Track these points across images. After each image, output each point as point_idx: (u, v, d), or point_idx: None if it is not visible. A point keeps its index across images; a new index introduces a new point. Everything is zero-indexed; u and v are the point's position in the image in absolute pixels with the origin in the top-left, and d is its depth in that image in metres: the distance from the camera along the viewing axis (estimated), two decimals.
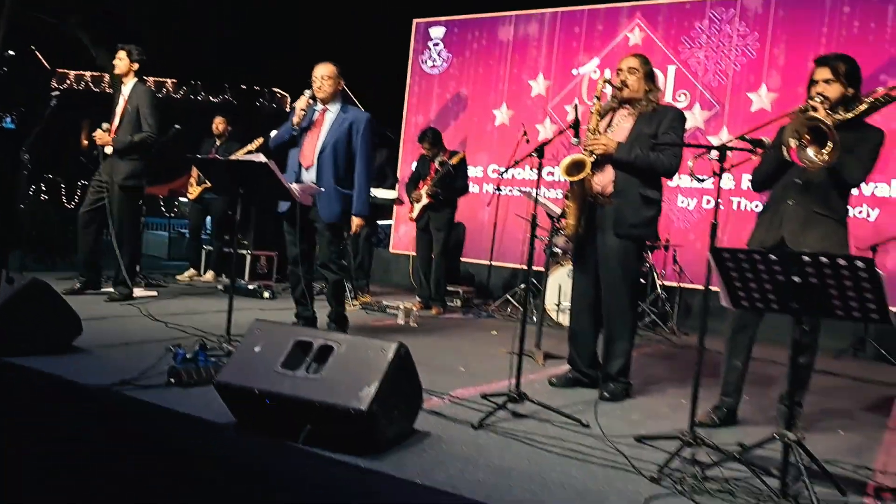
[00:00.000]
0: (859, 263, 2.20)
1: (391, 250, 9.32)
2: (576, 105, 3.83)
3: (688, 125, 7.46)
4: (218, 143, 7.23)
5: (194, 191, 7.31)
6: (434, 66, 9.12)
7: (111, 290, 5.20)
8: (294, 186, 3.86)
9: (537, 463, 2.57)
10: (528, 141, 6.22)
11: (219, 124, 7.27)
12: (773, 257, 2.35)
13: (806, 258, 2.29)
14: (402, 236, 9.05)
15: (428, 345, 4.81)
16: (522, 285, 7.00)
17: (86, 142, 5.07)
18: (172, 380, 3.04)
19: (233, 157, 4.78)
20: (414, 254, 7.16)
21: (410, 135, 9.01)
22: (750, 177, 3.52)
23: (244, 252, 7.31)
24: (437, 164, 6.52)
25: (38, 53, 17.99)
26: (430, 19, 9.23)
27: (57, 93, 5.28)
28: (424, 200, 6.48)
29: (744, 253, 2.42)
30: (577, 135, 3.55)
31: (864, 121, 3.22)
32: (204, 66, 20.94)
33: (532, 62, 8.44)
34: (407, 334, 5.15)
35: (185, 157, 3.94)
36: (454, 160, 6.41)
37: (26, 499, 2.04)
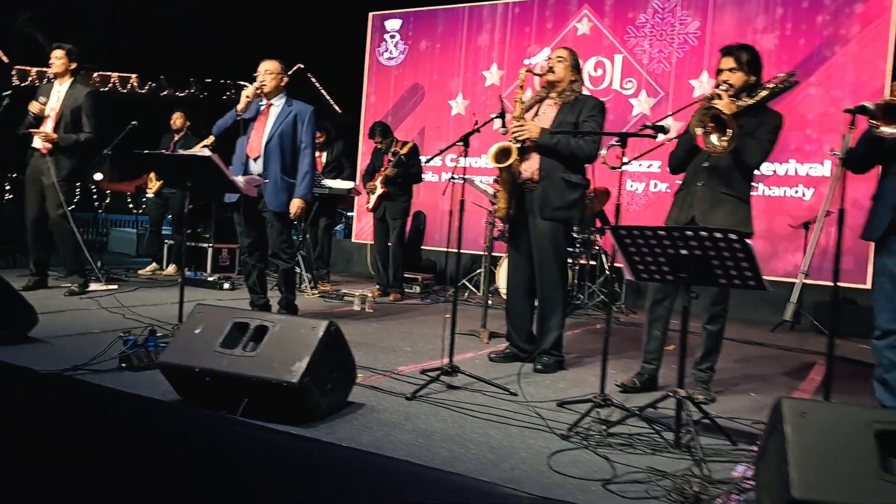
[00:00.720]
0: (732, 236, 2.47)
1: (353, 240, 9.51)
2: (500, 97, 4.05)
3: (634, 112, 7.89)
4: (176, 137, 7.35)
5: (154, 186, 7.44)
6: (391, 57, 9.29)
7: (68, 284, 5.34)
8: (239, 179, 4.05)
9: (460, 426, 2.81)
10: (478, 131, 6.43)
11: (177, 119, 7.39)
12: (661, 233, 2.61)
13: (688, 233, 2.55)
14: (364, 227, 9.24)
15: (379, 328, 5.04)
16: (479, 270, 7.27)
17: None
18: (124, 364, 3.23)
19: (181, 152, 4.92)
20: (372, 243, 7.36)
21: (370, 126, 9.17)
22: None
23: (206, 245, 7.46)
24: (390, 156, 6.72)
25: None
26: (386, 12, 9.40)
27: (9, 92, 5.34)
28: (380, 191, 6.69)
29: (638, 230, 2.67)
30: (503, 124, 3.78)
31: (765, 105, 3.48)
32: (169, 61, 20.87)
33: (486, 53, 8.66)
34: (361, 319, 5.38)
35: (133, 153, 4.09)
36: (405, 149, 6.61)
37: None
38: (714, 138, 3.22)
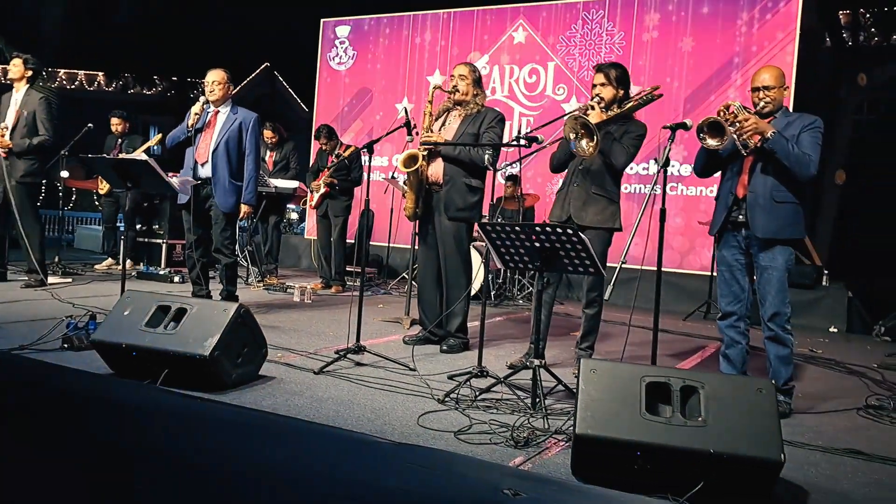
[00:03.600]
0: (569, 230, 2.98)
1: (305, 236, 9.94)
2: (405, 108, 4.54)
3: (570, 111, 8.41)
4: (120, 140, 7.71)
5: (104, 186, 7.80)
6: (341, 62, 9.74)
7: (25, 278, 5.73)
8: (174, 180, 4.48)
9: (353, 394, 3.29)
10: (413, 127, 6.94)
11: (117, 125, 7.73)
12: (517, 228, 3.11)
13: (537, 228, 3.05)
14: (315, 223, 9.67)
15: (311, 316, 5.50)
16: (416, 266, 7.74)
17: None
18: (66, 345, 3.66)
19: (122, 156, 5.31)
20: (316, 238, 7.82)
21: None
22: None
23: (160, 241, 7.84)
24: (333, 157, 7.18)
25: None
26: (336, 19, 9.84)
27: None
28: (322, 190, 7.14)
29: (500, 226, 3.17)
30: (409, 133, 4.26)
31: (632, 115, 4.00)
32: (134, 59, 21.07)
33: (430, 59, 9.14)
34: (298, 309, 5.83)
35: (78, 156, 4.48)
36: (347, 153, 7.07)
37: None
38: (584, 143, 3.72)
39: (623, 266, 3.00)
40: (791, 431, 3.12)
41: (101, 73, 24.94)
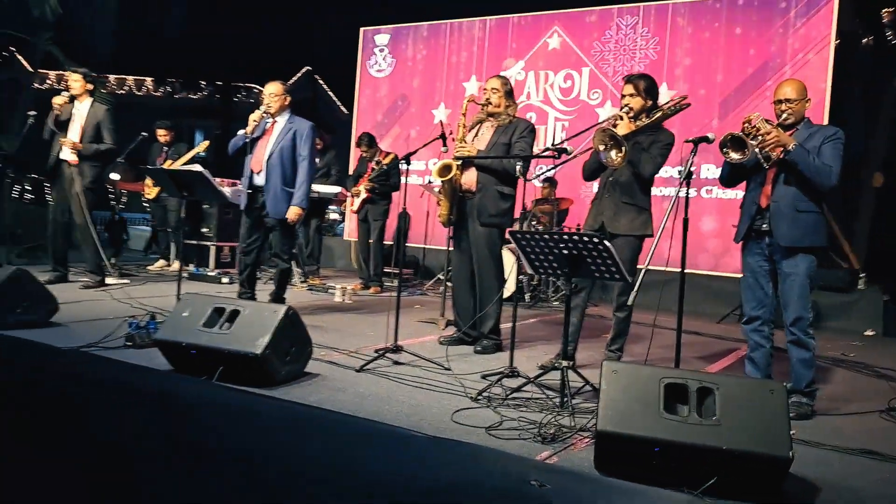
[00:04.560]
0: (595, 238, 3.16)
1: (345, 238, 10.24)
2: (441, 121, 4.75)
3: (601, 120, 8.52)
4: (166, 148, 8.07)
5: (152, 191, 8.16)
6: (380, 70, 10.01)
7: (86, 279, 6.10)
8: (226, 189, 4.77)
9: (392, 391, 3.52)
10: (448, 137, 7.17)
11: (163, 136, 8.08)
12: (546, 236, 3.30)
13: (565, 236, 3.24)
14: (355, 226, 9.97)
15: (353, 316, 5.76)
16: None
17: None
18: (128, 343, 3.97)
19: (176, 167, 5.60)
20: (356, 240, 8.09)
21: (359, 135, 9.90)
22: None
23: (209, 243, 8.20)
24: (373, 164, 7.44)
25: (19, 56, 18.81)
26: (375, 27, 10.11)
27: (34, 113, 6.09)
28: (363, 195, 7.41)
29: (530, 234, 3.36)
30: (444, 144, 4.47)
31: (660, 125, 4.16)
32: (180, 64, 21.76)
33: (466, 66, 9.35)
34: (340, 309, 6.10)
35: (138, 167, 4.81)
36: (387, 160, 7.33)
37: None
38: (613, 153, 3.88)
39: (649, 269, 3.15)
40: (810, 432, 3.26)
41: (149, 79, 25.80)
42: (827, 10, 7.31)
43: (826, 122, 7.19)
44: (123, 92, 25.33)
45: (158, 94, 26.32)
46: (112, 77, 25.53)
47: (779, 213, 3.53)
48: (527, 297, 7.27)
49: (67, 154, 5.93)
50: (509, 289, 7.26)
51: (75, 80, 6.02)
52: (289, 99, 5.28)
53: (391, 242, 9.18)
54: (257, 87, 26.93)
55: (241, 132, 5.15)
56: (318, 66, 21.36)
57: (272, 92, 5.16)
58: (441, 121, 5.24)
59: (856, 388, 4.37)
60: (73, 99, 6.03)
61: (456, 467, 2.39)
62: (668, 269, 7.10)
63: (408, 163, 4.20)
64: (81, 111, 6.00)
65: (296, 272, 7.55)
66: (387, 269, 7.82)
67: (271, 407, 3.13)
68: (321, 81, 22.53)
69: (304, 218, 7.63)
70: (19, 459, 2.25)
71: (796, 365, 3.59)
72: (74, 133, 5.95)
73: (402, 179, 7.92)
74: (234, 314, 3.48)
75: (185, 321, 3.50)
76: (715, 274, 7.74)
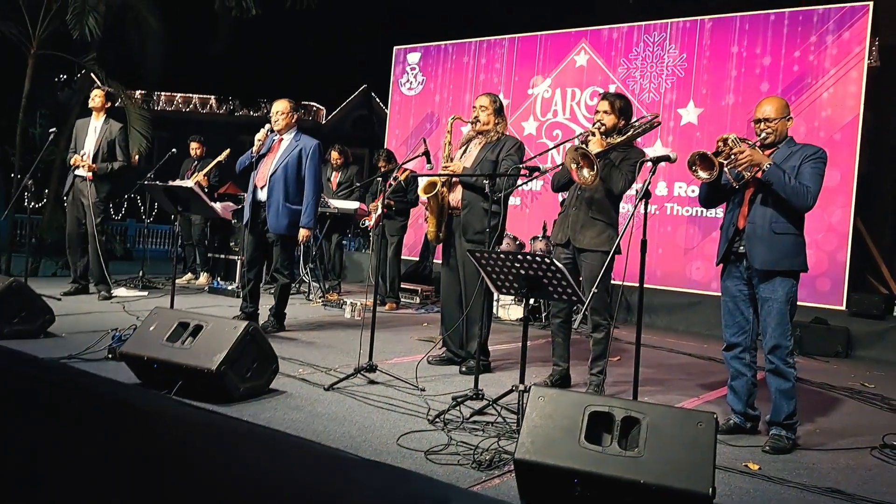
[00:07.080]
0: (547, 260, 3.06)
1: (369, 252, 10.29)
2: (424, 140, 4.74)
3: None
4: (196, 163, 8.31)
5: None
6: (411, 88, 10.09)
7: (102, 290, 6.31)
8: (217, 205, 4.86)
9: (351, 411, 3.48)
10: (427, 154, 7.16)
11: (195, 149, 8.34)
12: (503, 255, 3.22)
13: (520, 256, 3.16)
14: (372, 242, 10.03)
15: (355, 333, 5.71)
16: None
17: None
18: (110, 355, 4.06)
19: (170, 183, 5.76)
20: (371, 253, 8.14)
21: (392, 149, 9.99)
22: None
23: (235, 258, 8.37)
24: (391, 180, 7.46)
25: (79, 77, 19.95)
26: (407, 46, 10.20)
27: (54, 129, 6.38)
28: (380, 211, 7.44)
29: (489, 253, 3.29)
30: (428, 160, 4.44)
31: (633, 143, 4.04)
32: (241, 83, 22.56)
33: (494, 83, 9.32)
34: (346, 325, 6.10)
35: (136, 183, 4.96)
36: (403, 176, 7.33)
37: None
38: (585, 172, 3.78)
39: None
40: (780, 467, 3.07)
41: (212, 97, 26.79)
42: (861, 25, 6.98)
43: (859, 142, 6.85)
44: (188, 110, 26.40)
45: (221, 111, 27.34)
46: (179, 96, 26.67)
47: (754, 234, 3.36)
48: (543, 317, 7.13)
49: (81, 170, 6.17)
50: (518, 310, 7.16)
51: (97, 96, 6.27)
52: (296, 116, 5.37)
53: (416, 258, 9.20)
54: (316, 104, 27.69)
55: (248, 152, 5.27)
56: (373, 83, 21.78)
57: (279, 110, 5.25)
58: (424, 138, 5.21)
59: (857, 422, 4.09)
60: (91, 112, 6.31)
61: (363, 488, 2.33)
62: (694, 291, 6.89)
63: (385, 179, 4.18)
64: (96, 127, 6.25)
65: (313, 287, 7.63)
66: (404, 286, 7.80)
67: (223, 425, 3.13)
68: (377, 99, 22.96)
69: (325, 233, 7.78)
70: None
71: (775, 395, 3.39)
72: (90, 146, 6.19)
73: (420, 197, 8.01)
74: (198, 329, 3.52)
75: (150, 335, 3.56)
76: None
